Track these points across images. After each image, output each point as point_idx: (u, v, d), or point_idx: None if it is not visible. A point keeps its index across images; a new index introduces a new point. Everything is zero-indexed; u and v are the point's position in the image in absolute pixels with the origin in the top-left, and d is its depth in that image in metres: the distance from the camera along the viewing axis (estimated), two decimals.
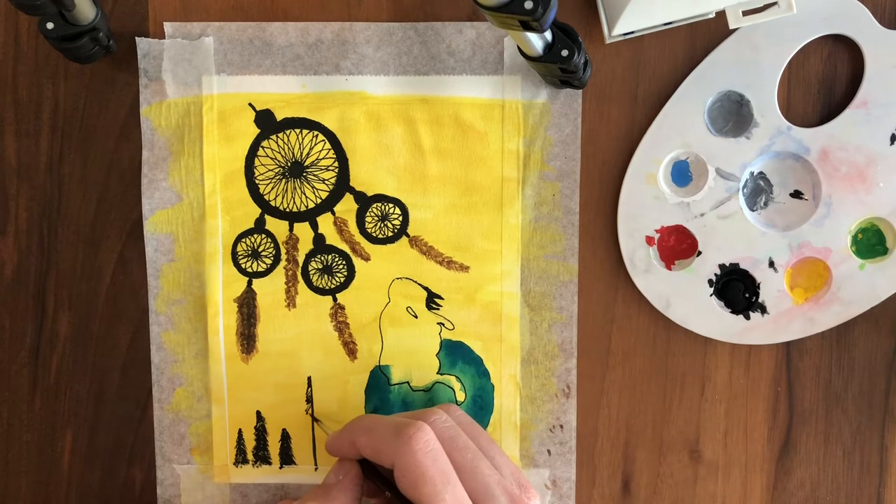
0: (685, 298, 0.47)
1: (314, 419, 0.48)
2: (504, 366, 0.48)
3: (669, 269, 0.47)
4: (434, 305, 0.48)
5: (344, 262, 0.48)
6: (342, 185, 0.48)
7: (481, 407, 0.48)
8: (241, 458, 0.49)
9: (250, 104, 0.48)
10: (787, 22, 0.45)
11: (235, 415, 0.49)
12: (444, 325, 0.48)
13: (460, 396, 0.49)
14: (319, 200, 0.48)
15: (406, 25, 0.47)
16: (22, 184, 0.48)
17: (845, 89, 0.47)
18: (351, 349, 0.49)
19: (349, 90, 0.47)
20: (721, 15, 0.44)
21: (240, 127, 0.48)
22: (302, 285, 0.48)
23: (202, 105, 0.48)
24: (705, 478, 0.49)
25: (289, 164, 0.48)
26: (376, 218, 0.48)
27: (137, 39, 0.47)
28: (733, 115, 0.47)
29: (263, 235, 0.48)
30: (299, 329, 0.49)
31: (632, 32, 0.45)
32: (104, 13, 0.45)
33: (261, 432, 0.49)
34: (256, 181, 0.48)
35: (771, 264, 0.47)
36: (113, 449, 0.50)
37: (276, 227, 0.48)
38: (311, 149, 0.48)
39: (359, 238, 0.48)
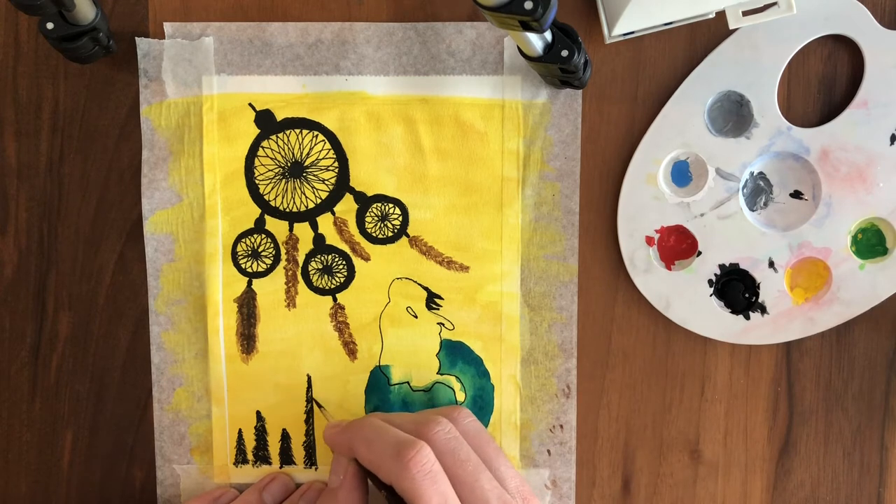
0: (685, 298, 0.47)
1: (317, 404, 0.48)
2: (504, 366, 0.48)
3: (669, 269, 0.47)
4: (434, 305, 0.48)
5: (344, 262, 0.48)
6: (342, 185, 0.48)
7: (481, 407, 0.48)
8: (241, 458, 0.49)
9: (250, 104, 0.48)
10: (787, 22, 0.45)
11: (235, 415, 0.49)
12: (444, 325, 0.48)
13: (460, 396, 0.49)
14: (319, 200, 0.48)
15: (406, 25, 0.47)
16: (22, 184, 0.48)
17: (845, 89, 0.47)
18: (351, 349, 0.49)
19: (349, 90, 0.47)
20: (721, 15, 0.44)
21: (240, 127, 0.48)
22: (302, 285, 0.48)
23: (202, 105, 0.48)
24: (705, 478, 0.49)
25: (289, 164, 0.48)
26: (376, 218, 0.48)
27: (137, 39, 0.47)
28: (733, 115, 0.47)
29: (263, 235, 0.48)
30: (299, 329, 0.49)
31: (632, 32, 0.45)
32: (104, 13, 0.45)
33: (261, 432, 0.49)
34: (256, 181, 0.48)
35: (771, 264, 0.47)
36: (113, 449, 0.50)
37: (276, 227, 0.48)
38: (311, 149, 0.48)
39: (359, 238, 0.48)
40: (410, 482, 0.39)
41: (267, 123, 0.48)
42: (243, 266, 0.48)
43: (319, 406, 0.48)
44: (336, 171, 0.48)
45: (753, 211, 0.47)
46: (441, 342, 0.48)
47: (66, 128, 0.48)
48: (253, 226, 0.48)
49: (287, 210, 0.48)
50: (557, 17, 0.41)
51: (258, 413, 0.49)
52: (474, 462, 0.41)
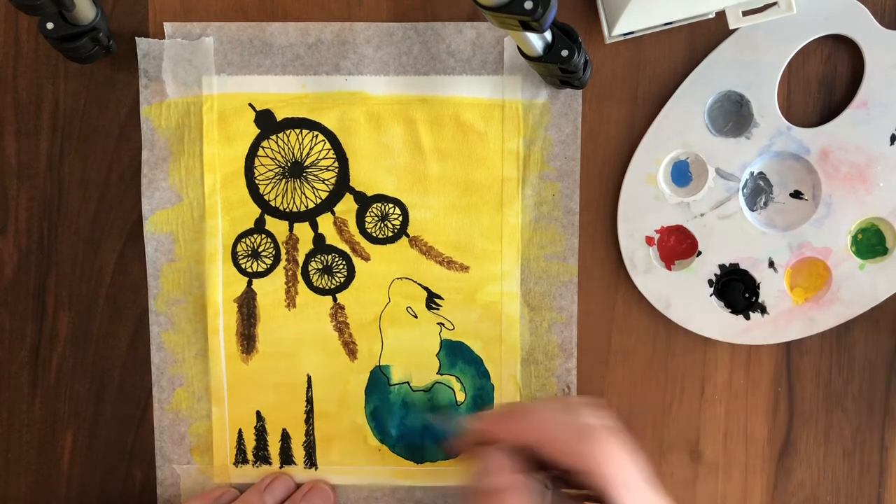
0: (685, 298, 0.47)
1: (436, 418, 0.46)
2: (504, 366, 0.48)
3: (669, 269, 0.47)
4: (434, 305, 0.48)
5: (344, 262, 0.48)
6: (342, 185, 0.48)
7: (481, 407, 0.48)
8: (241, 458, 0.49)
9: (250, 104, 0.48)
10: (787, 22, 0.45)
11: (235, 415, 0.49)
12: (444, 325, 0.48)
13: (460, 396, 0.49)
14: (319, 200, 0.48)
15: (406, 25, 0.47)
16: (22, 184, 0.48)
17: (845, 89, 0.47)
18: (351, 349, 0.49)
19: (349, 90, 0.47)
20: (721, 15, 0.44)
21: (240, 127, 0.48)
22: (302, 285, 0.48)
23: (202, 105, 0.48)
24: (705, 478, 0.49)
25: (289, 164, 0.48)
26: (376, 218, 0.48)
27: (137, 39, 0.47)
28: (733, 115, 0.47)
29: (263, 235, 0.48)
30: (299, 329, 0.49)
31: (632, 32, 0.45)
32: (104, 13, 0.45)
33: (261, 432, 0.49)
34: (256, 181, 0.48)
35: (771, 264, 0.47)
36: (113, 449, 0.49)
37: (276, 227, 0.48)
38: (311, 149, 0.48)
39: (359, 238, 0.48)
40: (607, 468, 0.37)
41: (267, 123, 0.48)
42: (243, 266, 0.48)
43: (444, 421, 0.45)
44: (336, 171, 0.48)
45: (753, 211, 0.47)
46: (441, 342, 0.48)
47: (66, 128, 0.48)
48: (253, 226, 0.48)
49: (287, 210, 0.48)
50: (557, 17, 0.41)
51: (258, 413, 0.49)
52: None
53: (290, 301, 0.49)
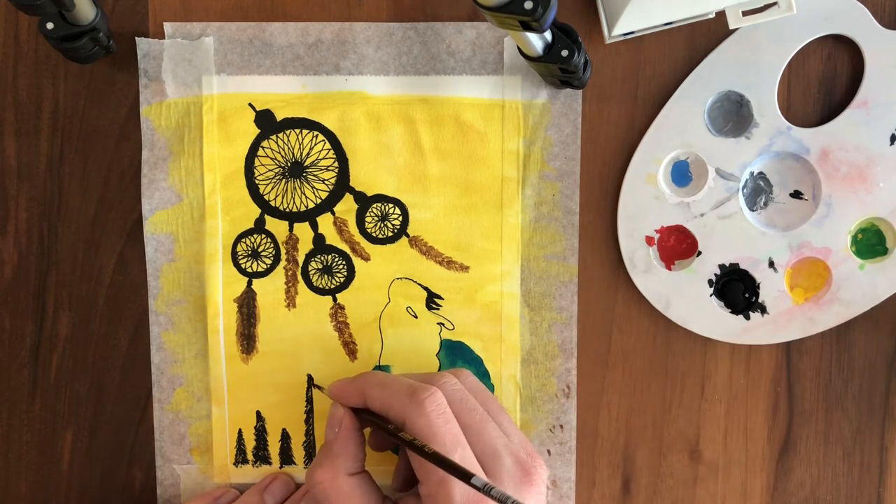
0: (685, 298, 0.47)
1: (316, 386, 0.48)
2: (504, 366, 0.48)
3: (669, 269, 0.47)
4: (434, 305, 0.48)
5: (344, 262, 0.48)
6: (342, 185, 0.48)
7: None
8: (241, 458, 0.49)
9: (250, 104, 0.48)
10: (787, 22, 0.45)
11: (235, 415, 0.49)
12: (444, 325, 0.48)
13: None
14: (319, 200, 0.48)
15: (406, 25, 0.47)
16: (22, 184, 0.48)
17: (845, 89, 0.47)
18: (351, 349, 0.49)
19: (349, 90, 0.47)
20: (721, 15, 0.44)
21: (240, 127, 0.48)
22: (302, 285, 0.48)
23: (202, 105, 0.48)
24: (705, 478, 0.49)
25: (289, 165, 0.48)
26: (376, 218, 0.48)
27: (137, 39, 0.47)
28: (733, 115, 0.47)
29: (263, 235, 0.48)
30: (299, 329, 0.49)
31: (632, 32, 0.45)
32: (104, 13, 0.45)
33: (261, 432, 0.49)
34: (256, 181, 0.48)
35: (771, 264, 0.47)
36: (113, 449, 0.50)
37: (276, 227, 0.48)
38: (311, 149, 0.48)
39: (359, 238, 0.48)
40: (426, 419, 0.40)
41: (267, 123, 0.48)
42: (243, 266, 0.48)
43: (319, 388, 0.48)
44: (336, 171, 0.48)
45: (753, 211, 0.47)
46: (441, 342, 0.48)
47: (66, 128, 0.48)
48: (253, 226, 0.48)
49: (287, 210, 0.48)
50: (557, 17, 0.41)
51: (258, 413, 0.49)
52: (481, 413, 0.42)
53: (290, 301, 0.49)
